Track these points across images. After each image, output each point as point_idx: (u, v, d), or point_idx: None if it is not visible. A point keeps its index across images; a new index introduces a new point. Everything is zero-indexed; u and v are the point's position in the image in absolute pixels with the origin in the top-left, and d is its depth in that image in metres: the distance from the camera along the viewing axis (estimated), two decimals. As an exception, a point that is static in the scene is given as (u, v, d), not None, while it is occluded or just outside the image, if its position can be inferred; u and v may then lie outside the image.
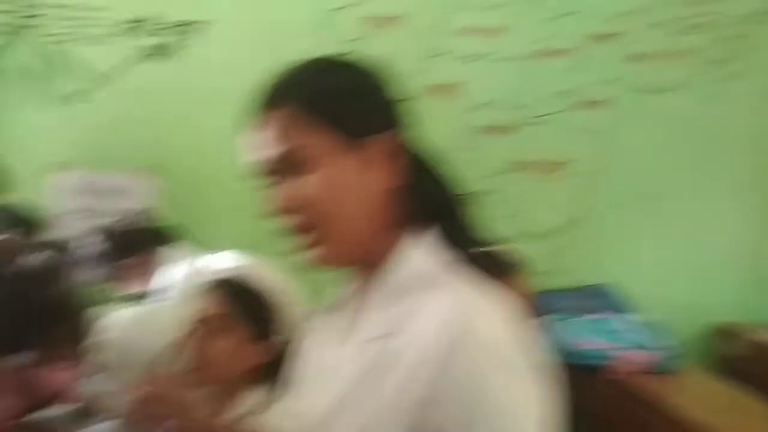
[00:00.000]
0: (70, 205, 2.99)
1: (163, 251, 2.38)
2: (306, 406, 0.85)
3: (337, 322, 0.90)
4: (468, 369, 0.69)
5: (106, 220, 2.51)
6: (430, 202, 0.83)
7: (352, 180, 0.79)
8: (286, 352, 1.41)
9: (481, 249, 0.85)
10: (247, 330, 1.38)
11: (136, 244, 2.35)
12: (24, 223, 2.36)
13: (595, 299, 2.95)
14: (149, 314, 1.98)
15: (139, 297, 2.34)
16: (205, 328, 1.37)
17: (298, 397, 0.90)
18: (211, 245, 2.53)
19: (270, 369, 1.39)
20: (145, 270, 2.35)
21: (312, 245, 0.81)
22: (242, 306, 1.39)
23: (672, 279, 3.10)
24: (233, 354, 1.36)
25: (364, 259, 0.83)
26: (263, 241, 2.50)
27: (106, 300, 1.99)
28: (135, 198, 2.81)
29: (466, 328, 0.71)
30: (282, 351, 1.39)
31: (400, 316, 0.76)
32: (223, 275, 1.47)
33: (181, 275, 2.29)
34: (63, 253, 2.47)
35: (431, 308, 0.75)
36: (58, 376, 2.21)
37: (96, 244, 2.33)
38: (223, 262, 2.41)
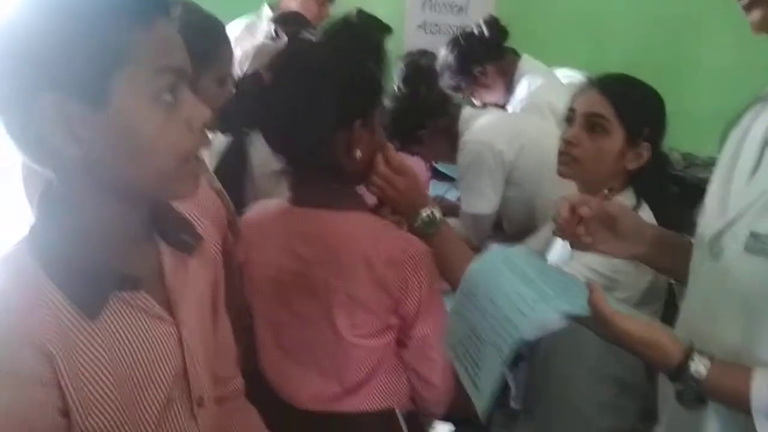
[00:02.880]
0: (414, 20, 3.18)
1: (514, 63, 2.42)
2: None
3: None
4: None
5: (454, 33, 2.59)
6: None
7: None
8: (655, 160, 1.37)
9: None
10: (622, 132, 1.35)
11: (485, 54, 2.40)
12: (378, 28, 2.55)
13: None
14: (502, 120, 2.08)
15: (494, 105, 2.46)
16: (582, 123, 1.38)
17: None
18: (552, 61, 2.51)
19: (640, 175, 1.37)
20: (498, 80, 2.43)
21: (753, 5, 0.76)
22: (621, 106, 1.36)
23: None
24: (604, 153, 1.36)
25: None
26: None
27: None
28: (474, 13, 2.83)
29: None
30: (652, 159, 1.36)
31: None
32: (601, 77, 1.44)
33: (535, 86, 2.33)
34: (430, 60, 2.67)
35: None
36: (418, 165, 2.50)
37: (449, 55, 2.43)
38: (574, 76, 2.37)
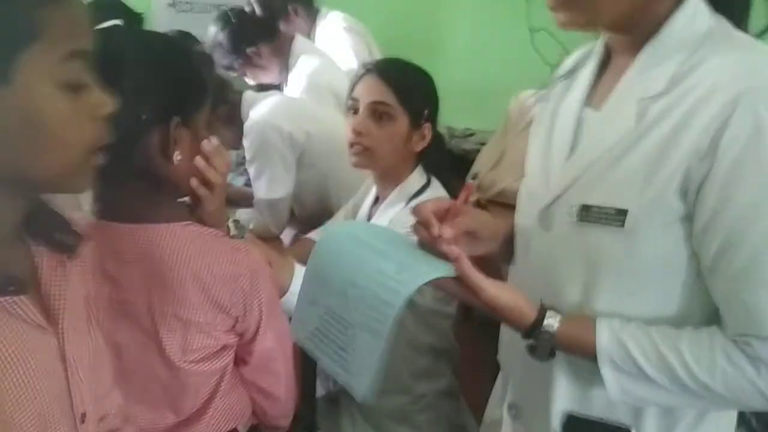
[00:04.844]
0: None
1: (289, 42, 2.38)
2: (559, 166, 0.90)
3: (579, 86, 0.93)
4: (751, 120, 0.72)
5: (208, 10, 2.46)
6: None
7: None
8: (436, 137, 1.46)
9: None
10: (406, 117, 1.41)
11: (259, 34, 2.33)
12: (126, 15, 2.33)
13: None
14: (288, 102, 2.04)
15: (271, 87, 2.38)
16: (367, 112, 1.41)
17: (542, 160, 0.95)
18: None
19: (428, 154, 1.45)
20: (273, 60, 2.36)
21: (559, 8, 0.82)
22: (402, 92, 1.40)
23: None
24: (393, 139, 1.41)
25: (626, 23, 0.83)
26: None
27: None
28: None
29: (755, 80, 0.74)
30: (436, 136, 1.45)
31: (678, 72, 0.79)
32: (377, 64, 1.48)
33: (313, 66, 2.31)
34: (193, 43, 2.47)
35: (715, 63, 0.77)
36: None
37: (219, 33, 2.29)
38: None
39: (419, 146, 1.44)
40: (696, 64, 0.79)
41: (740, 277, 0.76)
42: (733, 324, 0.78)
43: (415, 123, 1.42)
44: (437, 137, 1.50)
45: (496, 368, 1.10)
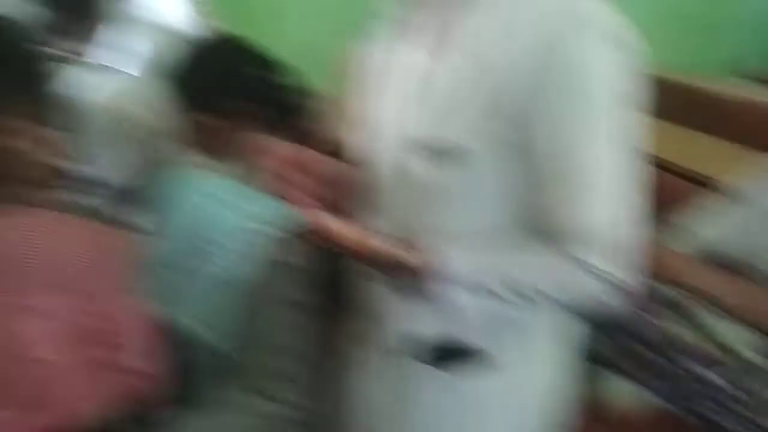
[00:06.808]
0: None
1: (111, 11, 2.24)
2: (394, 116, 0.97)
3: (412, 34, 0.98)
4: (577, 54, 0.81)
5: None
6: None
7: None
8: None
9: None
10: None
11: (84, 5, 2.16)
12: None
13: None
14: (131, 86, 1.95)
15: (96, 65, 2.24)
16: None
17: (377, 110, 1.01)
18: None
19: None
20: (93, 32, 2.22)
21: None
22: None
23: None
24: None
25: None
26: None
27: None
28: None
29: (575, 17, 0.82)
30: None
31: (506, 12, 0.87)
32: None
33: (146, 43, 2.19)
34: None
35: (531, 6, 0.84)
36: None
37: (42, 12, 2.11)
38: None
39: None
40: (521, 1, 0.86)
41: (568, 201, 0.87)
42: (564, 237, 0.88)
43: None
44: None
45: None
